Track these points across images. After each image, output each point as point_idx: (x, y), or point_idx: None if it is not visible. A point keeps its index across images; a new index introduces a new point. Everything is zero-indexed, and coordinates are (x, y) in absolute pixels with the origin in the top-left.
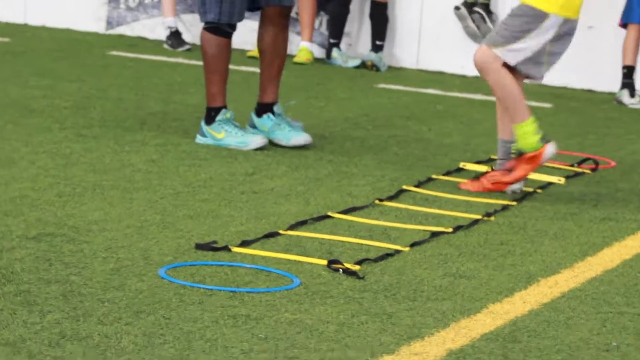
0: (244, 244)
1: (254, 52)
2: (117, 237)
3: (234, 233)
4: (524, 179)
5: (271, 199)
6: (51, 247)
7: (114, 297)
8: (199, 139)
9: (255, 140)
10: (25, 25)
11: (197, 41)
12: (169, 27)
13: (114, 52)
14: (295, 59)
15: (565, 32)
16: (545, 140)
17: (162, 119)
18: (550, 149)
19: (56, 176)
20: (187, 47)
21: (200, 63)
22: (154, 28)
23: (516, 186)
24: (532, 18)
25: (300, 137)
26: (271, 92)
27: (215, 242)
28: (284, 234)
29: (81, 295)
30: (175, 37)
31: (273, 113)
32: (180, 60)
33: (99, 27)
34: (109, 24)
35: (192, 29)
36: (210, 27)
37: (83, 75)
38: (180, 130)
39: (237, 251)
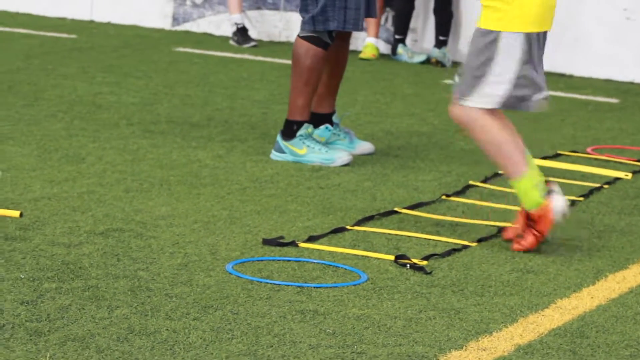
0: (311, 239)
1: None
2: (185, 232)
3: (301, 228)
4: (541, 240)
5: (338, 195)
6: (119, 243)
7: (181, 292)
8: (276, 156)
9: (342, 157)
10: (92, 22)
11: (263, 37)
12: (236, 24)
13: (180, 49)
14: (361, 55)
15: (539, 48)
16: (549, 192)
17: (228, 115)
18: (557, 201)
19: (123, 172)
20: (253, 43)
21: (266, 59)
22: (220, 24)
23: (561, 208)
24: (484, 44)
25: (367, 145)
26: (330, 102)
27: (282, 237)
28: (350, 230)
29: (149, 290)
30: (241, 33)
31: (331, 123)
32: (246, 56)
33: (165, 24)
34: (175, 20)
35: (257, 25)
36: (310, 37)
37: (149, 72)
38: (246, 126)
39: (304, 246)
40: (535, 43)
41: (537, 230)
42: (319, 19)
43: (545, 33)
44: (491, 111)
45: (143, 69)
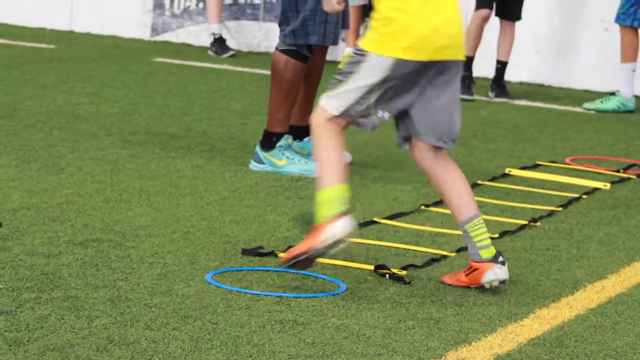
0: (291, 249)
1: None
2: (164, 242)
3: (280, 238)
4: (307, 253)
5: None
6: (98, 253)
7: (161, 302)
8: (255, 166)
9: None
10: (71, 32)
11: (242, 48)
12: (214, 34)
13: (159, 59)
14: (340, 66)
15: (413, 76)
16: (342, 213)
17: (207, 125)
18: (341, 222)
19: (103, 182)
20: (231, 52)
21: (245, 70)
22: (199, 35)
23: (338, 232)
24: (356, 58)
25: (347, 155)
26: (308, 114)
27: (261, 247)
28: None
29: (128, 300)
30: (219, 43)
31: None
32: (225, 66)
33: (144, 34)
34: (154, 30)
35: (237, 35)
36: (289, 50)
37: (128, 82)
38: (225, 137)
39: (283, 256)
40: (410, 71)
41: (306, 240)
42: (300, 33)
43: (448, 62)
44: (336, 120)
45: (122, 79)
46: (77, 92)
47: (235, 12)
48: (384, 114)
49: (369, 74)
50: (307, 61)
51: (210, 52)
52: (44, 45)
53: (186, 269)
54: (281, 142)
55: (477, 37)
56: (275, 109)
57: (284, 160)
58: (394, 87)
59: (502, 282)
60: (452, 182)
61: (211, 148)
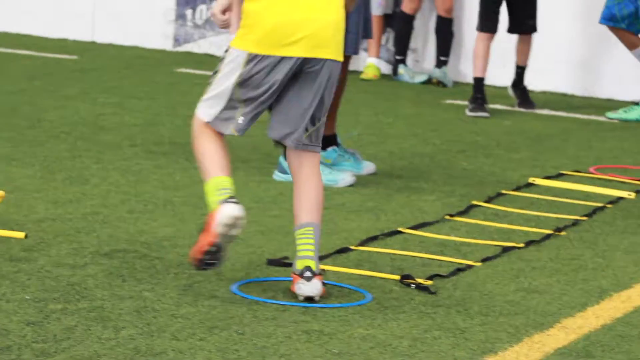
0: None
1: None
2: (189, 253)
3: None
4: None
5: (341, 215)
6: (124, 264)
7: (187, 312)
8: (279, 176)
9: (345, 178)
10: (93, 43)
11: None
12: None
13: (182, 70)
14: (363, 76)
15: (266, 73)
16: (226, 199)
17: (230, 136)
18: (226, 209)
19: (127, 193)
20: None
21: None
22: (221, 45)
23: (225, 216)
24: (223, 56)
25: (371, 165)
26: (331, 124)
27: (286, 257)
28: (355, 250)
29: (155, 311)
30: None
31: (336, 145)
32: None
33: (167, 45)
34: (177, 41)
35: None
36: None
37: (151, 93)
38: (248, 147)
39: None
40: (268, 66)
41: (203, 234)
42: None
43: (312, 60)
44: (209, 126)
45: (145, 90)
46: (100, 102)
47: None
48: (245, 119)
49: (229, 70)
50: None
51: None
52: (66, 56)
53: (212, 280)
54: None
55: (484, 57)
56: None
57: None
58: (254, 86)
59: (307, 298)
60: (302, 183)
61: (235, 159)
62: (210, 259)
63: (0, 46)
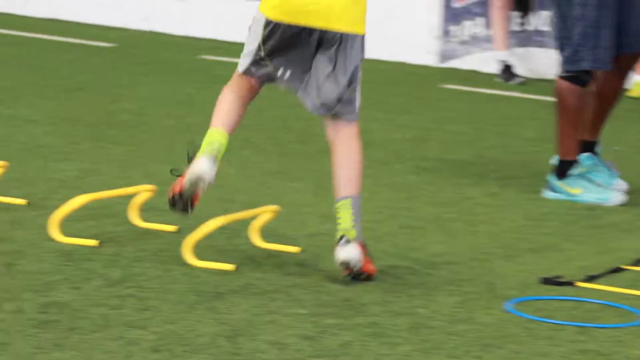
0: (590, 279)
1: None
2: (461, 270)
3: (577, 268)
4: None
5: (613, 234)
6: (396, 279)
7: (461, 330)
8: (550, 195)
9: (617, 196)
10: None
11: (530, 75)
12: (501, 61)
13: (448, 86)
14: (631, 93)
15: (288, 39)
16: (208, 154)
17: (500, 152)
18: (197, 165)
19: (397, 208)
20: (519, 80)
21: (535, 97)
22: (487, 61)
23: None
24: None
25: (623, 184)
26: (594, 131)
27: (560, 276)
28: (629, 269)
29: (429, 327)
30: (507, 70)
31: (593, 152)
32: (514, 93)
33: (431, 61)
34: (441, 57)
35: (524, 62)
36: (569, 77)
37: (418, 108)
38: (519, 164)
39: (582, 286)
40: (283, 34)
41: (180, 177)
42: (573, 59)
43: (331, 32)
44: (243, 77)
45: (411, 105)
46: (366, 117)
47: (523, 39)
48: (285, 73)
49: (254, 30)
50: (587, 86)
51: (498, 79)
52: None
53: (485, 297)
54: (575, 171)
55: None
56: (563, 137)
57: (579, 190)
58: (280, 50)
59: (344, 263)
60: (338, 156)
61: (505, 176)
62: (178, 202)
63: None
